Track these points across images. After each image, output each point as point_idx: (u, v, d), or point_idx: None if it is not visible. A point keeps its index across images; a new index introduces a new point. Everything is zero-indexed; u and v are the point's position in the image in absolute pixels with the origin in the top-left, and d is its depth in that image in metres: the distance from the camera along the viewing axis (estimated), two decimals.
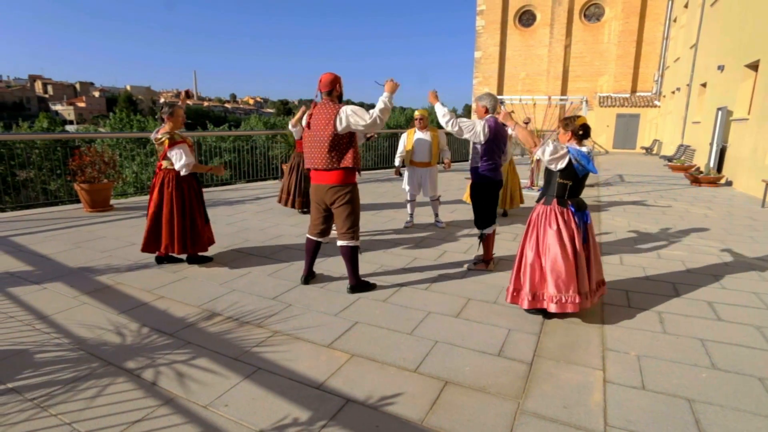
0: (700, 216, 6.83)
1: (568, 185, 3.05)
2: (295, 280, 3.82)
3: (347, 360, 2.59)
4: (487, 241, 4.18)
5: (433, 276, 4.00)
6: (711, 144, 12.06)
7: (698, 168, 11.50)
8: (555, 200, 3.09)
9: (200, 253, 4.31)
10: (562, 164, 2.99)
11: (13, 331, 2.82)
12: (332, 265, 4.26)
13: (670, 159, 15.37)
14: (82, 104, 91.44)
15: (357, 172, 3.56)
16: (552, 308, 3.01)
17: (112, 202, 6.88)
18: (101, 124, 39.87)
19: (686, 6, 19.18)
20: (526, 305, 3.11)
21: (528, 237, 3.17)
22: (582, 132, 3.06)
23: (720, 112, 11.67)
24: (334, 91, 3.46)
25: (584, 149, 3.04)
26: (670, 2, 22.95)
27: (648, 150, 22.16)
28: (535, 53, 28.08)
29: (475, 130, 3.91)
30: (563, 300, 2.99)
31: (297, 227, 5.69)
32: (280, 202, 6.44)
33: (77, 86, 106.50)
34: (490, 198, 4.12)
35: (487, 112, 4.05)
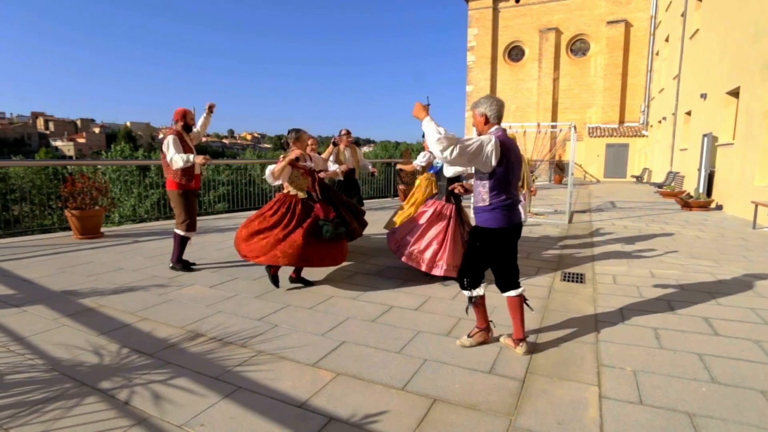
0: (692, 237, 6.82)
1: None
2: (283, 302, 3.74)
3: (332, 379, 2.49)
4: (476, 306, 2.97)
5: (424, 297, 3.92)
6: (699, 169, 12.23)
7: (688, 193, 11.60)
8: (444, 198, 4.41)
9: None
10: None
11: None
12: (324, 286, 4.19)
13: (660, 186, 15.54)
14: (82, 140, 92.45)
15: (187, 180, 4.54)
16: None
17: (103, 229, 6.81)
18: (100, 158, 40.16)
19: (667, 40, 19.96)
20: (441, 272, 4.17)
21: (429, 224, 4.31)
22: None
23: (706, 139, 11.91)
24: (179, 121, 4.58)
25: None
26: (652, 37, 23.90)
27: (638, 178, 22.44)
28: (525, 87, 28.89)
29: (484, 151, 2.62)
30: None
31: None
32: None
33: (78, 122, 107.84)
34: (489, 249, 2.82)
35: (487, 122, 2.77)
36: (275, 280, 4.09)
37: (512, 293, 2.85)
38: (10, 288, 4.03)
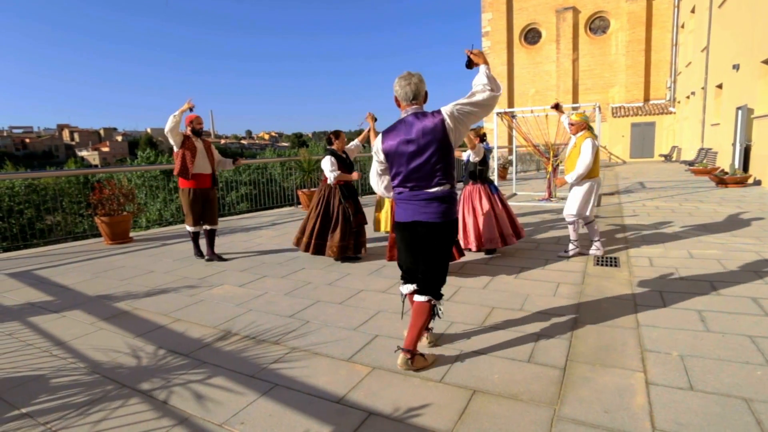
0: (730, 215, 6.53)
1: (483, 169, 4.81)
2: (313, 298, 3.74)
3: (368, 373, 2.46)
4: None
5: (455, 288, 3.85)
6: (734, 144, 11.71)
7: (723, 170, 11.12)
8: (479, 181, 4.80)
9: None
10: (479, 157, 4.65)
11: (31, 358, 2.79)
12: (352, 281, 4.17)
13: (691, 163, 14.97)
14: (106, 149, 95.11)
15: (184, 178, 4.98)
16: (487, 246, 4.63)
17: (132, 234, 6.97)
18: (124, 165, 41.31)
19: (693, 11, 19.11)
20: (474, 248, 4.64)
21: (467, 207, 4.75)
22: (483, 135, 4.83)
23: (740, 112, 11.37)
24: (188, 126, 5.03)
25: (485, 144, 4.85)
26: (676, 9, 22.94)
27: (667, 157, 21.69)
28: (543, 69, 28.21)
29: (379, 158, 2.55)
30: (488, 241, 4.60)
31: None
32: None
33: (101, 132, 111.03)
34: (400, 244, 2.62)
35: (399, 104, 2.51)
36: None
37: (418, 297, 2.49)
38: (48, 294, 4.16)
